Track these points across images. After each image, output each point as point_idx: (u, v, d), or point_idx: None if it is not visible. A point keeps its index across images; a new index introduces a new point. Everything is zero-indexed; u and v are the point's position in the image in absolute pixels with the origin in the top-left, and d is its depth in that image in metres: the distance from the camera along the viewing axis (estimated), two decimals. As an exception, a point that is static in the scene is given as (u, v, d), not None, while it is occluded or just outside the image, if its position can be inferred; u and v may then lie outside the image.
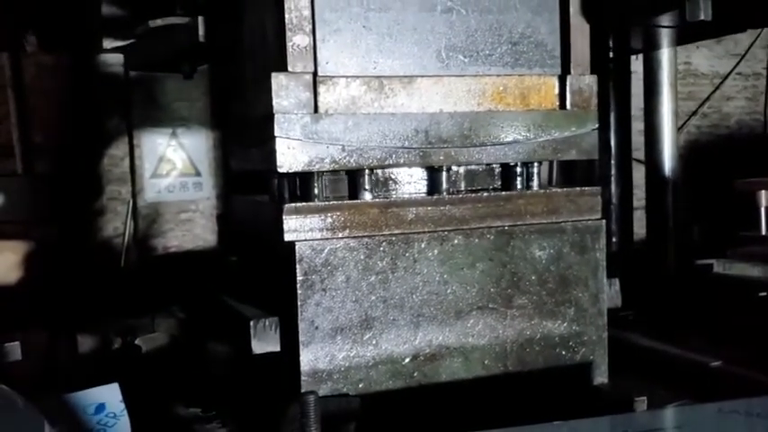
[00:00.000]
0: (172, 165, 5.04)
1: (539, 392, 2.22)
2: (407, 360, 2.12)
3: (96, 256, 4.47)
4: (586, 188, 2.34)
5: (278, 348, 2.09)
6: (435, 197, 2.19)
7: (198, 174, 4.99)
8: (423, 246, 2.13)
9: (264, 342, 2.08)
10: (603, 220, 2.33)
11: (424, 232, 2.14)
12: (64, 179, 4.37)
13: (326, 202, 2.11)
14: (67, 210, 4.25)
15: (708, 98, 5.29)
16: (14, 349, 2.43)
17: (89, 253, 4.38)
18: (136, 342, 2.68)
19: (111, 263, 4.50)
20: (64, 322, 2.87)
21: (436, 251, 2.14)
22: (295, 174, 2.12)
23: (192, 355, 2.67)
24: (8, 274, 3.20)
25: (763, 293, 3.07)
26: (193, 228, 4.96)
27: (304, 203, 2.08)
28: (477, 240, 2.18)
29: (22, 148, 4.35)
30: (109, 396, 1.48)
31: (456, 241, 2.16)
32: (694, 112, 5.38)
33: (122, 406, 1.48)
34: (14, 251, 3.33)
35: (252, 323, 2.06)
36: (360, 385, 2.07)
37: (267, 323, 2.07)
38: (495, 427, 1.59)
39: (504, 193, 2.28)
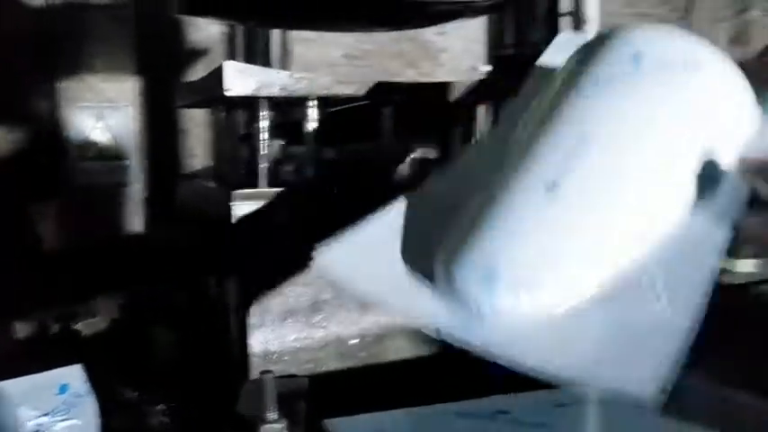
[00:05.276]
0: (98, 148, 4.92)
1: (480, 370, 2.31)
2: (355, 341, 2.19)
3: (24, 240, 4.36)
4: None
5: None
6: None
7: (125, 158, 4.88)
8: (371, 230, 2.18)
9: None
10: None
11: (372, 217, 2.19)
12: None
13: (275, 189, 2.14)
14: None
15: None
16: (-50, 335, 2.38)
17: (17, 237, 4.26)
18: (75, 327, 2.65)
19: (38, 248, 4.40)
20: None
21: (383, 235, 2.20)
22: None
23: (134, 339, 2.67)
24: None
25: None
26: (121, 213, 4.88)
27: (253, 190, 2.11)
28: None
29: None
30: (72, 377, 1.50)
31: (403, 224, 2.22)
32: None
33: (87, 386, 1.51)
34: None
35: None
36: (309, 365, 2.13)
37: None
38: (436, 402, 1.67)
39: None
